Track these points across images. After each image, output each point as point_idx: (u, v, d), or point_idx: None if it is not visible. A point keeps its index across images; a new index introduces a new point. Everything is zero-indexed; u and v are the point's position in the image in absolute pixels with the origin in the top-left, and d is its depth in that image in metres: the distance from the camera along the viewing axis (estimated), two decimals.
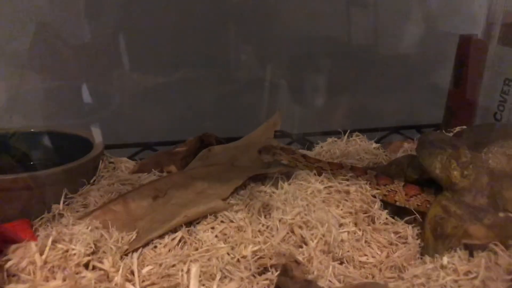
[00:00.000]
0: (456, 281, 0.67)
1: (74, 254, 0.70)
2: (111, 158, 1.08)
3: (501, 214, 0.73)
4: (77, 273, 0.67)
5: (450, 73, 1.38)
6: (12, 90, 1.25)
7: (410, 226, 0.86)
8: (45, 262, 0.67)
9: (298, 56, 1.44)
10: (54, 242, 0.70)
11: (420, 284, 0.68)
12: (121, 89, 1.40)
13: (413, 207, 0.87)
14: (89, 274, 0.68)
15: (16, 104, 1.26)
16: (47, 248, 0.68)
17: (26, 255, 0.67)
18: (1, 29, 1.16)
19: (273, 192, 0.88)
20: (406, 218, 0.88)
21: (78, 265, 0.69)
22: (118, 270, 0.70)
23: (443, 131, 1.25)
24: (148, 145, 1.26)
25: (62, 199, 0.89)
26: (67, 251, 0.70)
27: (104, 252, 0.73)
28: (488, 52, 1.25)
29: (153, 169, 1.03)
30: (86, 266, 0.70)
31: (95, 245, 0.73)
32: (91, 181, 0.97)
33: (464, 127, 1.20)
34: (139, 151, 1.24)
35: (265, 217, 0.82)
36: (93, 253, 0.72)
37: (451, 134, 1.12)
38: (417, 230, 0.85)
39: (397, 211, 0.90)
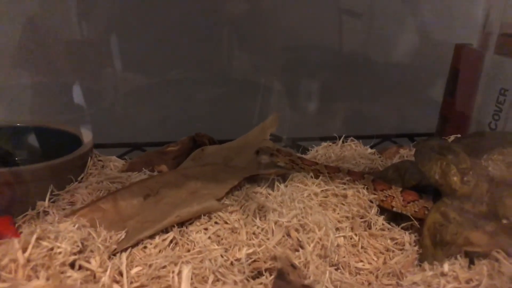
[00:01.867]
0: None
1: (60, 252, 0.66)
2: (99, 157, 1.05)
3: (504, 221, 0.72)
4: (62, 273, 0.64)
5: (444, 82, 1.38)
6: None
7: (407, 233, 0.84)
8: (28, 260, 0.63)
9: (293, 61, 1.43)
10: (38, 239, 0.66)
11: None
12: (113, 88, 1.37)
13: (410, 213, 0.86)
14: (74, 274, 0.64)
15: (4, 99, 1.22)
16: (30, 246, 0.64)
17: (8, 253, 0.63)
18: None
19: (269, 194, 0.85)
20: (403, 224, 0.86)
21: (63, 264, 0.65)
22: (105, 271, 0.66)
23: None
24: (138, 146, 1.22)
25: (48, 196, 0.85)
26: (52, 249, 0.66)
27: (91, 251, 0.69)
28: (484, 62, 1.25)
29: (143, 168, 0.99)
30: (72, 265, 0.67)
31: (82, 244, 0.69)
32: (79, 178, 0.93)
33: (459, 135, 1.20)
34: (128, 151, 1.21)
35: (260, 219, 0.79)
36: (79, 252, 0.68)
37: None
38: (415, 236, 0.83)
39: (394, 217, 0.88)
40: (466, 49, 1.30)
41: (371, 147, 1.21)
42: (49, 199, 0.85)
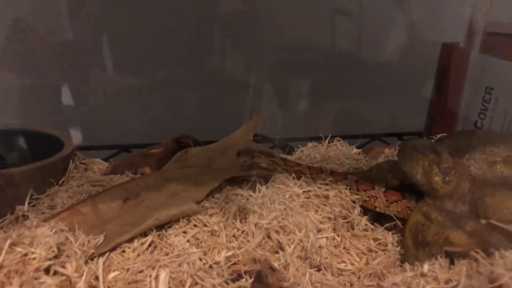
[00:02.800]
0: None
1: (34, 258, 0.65)
2: (83, 159, 1.04)
3: (483, 221, 0.72)
4: (36, 279, 0.63)
5: (432, 81, 1.38)
6: None
7: (390, 233, 0.84)
8: (1, 266, 0.62)
9: (282, 62, 1.43)
10: (13, 245, 0.65)
11: None
12: (99, 90, 1.36)
13: (393, 213, 0.85)
14: (49, 280, 0.63)
15: None
16: (4, 252, 0.64)
17: None
18: None
19: (250, 196, 0.85)
20: (386, 225, 0.86)
21: (37, 270, 0.64)
22: (81, 276, 0.66)
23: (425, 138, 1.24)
24: (124, 147, 1.22)
25: (27, 199, 0.84)
26: (26, 254, 0.65)
27: (67, 256, 0.69)
28: (470, 61, 1.25)
29: (126, 171, 0.99)
30: (47, 271, 0.66)
31: (58, 248, 0.68)
32: (60, 182, 0.92)
33: (445, 134, 1.20)
34: (115, 153, 1.20)
35: (240, 221, 0.78)
36: (55, 257, 0.67)
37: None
38: (397, 237, 0.83)
39: (377, 217, 0.88)
40: (453, 48, 1.31)
41: (360, 147, 1.21)
42: (29, 203, 0.84)
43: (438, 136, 1.19)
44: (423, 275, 0.68)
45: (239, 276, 0.70)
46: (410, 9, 1.44)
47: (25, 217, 0.81)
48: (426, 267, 0.69)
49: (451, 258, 0.71)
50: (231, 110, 1.41)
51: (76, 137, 1.06)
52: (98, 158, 1.09)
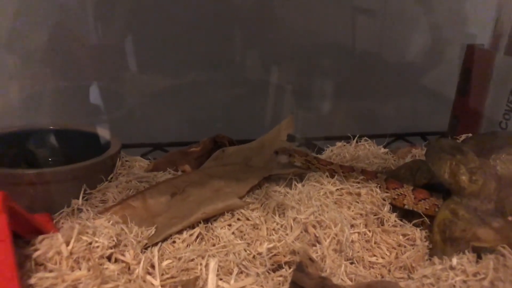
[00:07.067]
0: (465, 281, 0.70)
1: (98, 246, 0.72)
2: (126, 157, 1.11)
3: (510, 218, 0.76)
4: (100, 265, 0.70)
5: (456, 82, 1.41)
6: (28, 89, 1.28)
7: (418, 229, 0.89)
8: (71, 253, 0.70)
9: (307, 62, 1.46)
10: (79, 234, 0.73)
11: (430, 284, 0.71)
12: (132, 90, 1.42)
13: (421, 210, 0.90)
14: (112, 266, 0.71)
15: (32, 103, 1.29)
16: (73, 240, 0.71)
17: (53, 246, 0.70)
18: (18, 29, 1.19)
19: (287, 192, 0.91)
20: (414, 221, 0.90)
21: (101, 257, 0.72)
22: (139, 263, 0.72)
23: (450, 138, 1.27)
24: (159, 146, 1.28)
25: (81, 194, 0.91)
26: (90, 243, 0.72)
27: (125, 245, 0.75)
28: (495, 62, 1.28)
29: (168, 168, 1.05)
30: (109, 258, 0.73)
31: (116, 238, 0.75)
32: (109, 178, 0.99)
33: (470, 135, 1.23)
34: (149, 151, 1.26)
35: (279, 216, 0.84)
36: (115, 246, 0.74)
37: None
38: (425, 233, 0.88)
39: (406, 214, 0.93)
40: (478, 50, 1.33)
41: (385, 146, 1.25)
42: (83, 197, 0.91)
43: (463, 136, 1.23)
44: (452, 268, 0.73)
45: (280, 267, 0.76)
46: (435, 10, 1.47)
47: (80, 210, 0.88)
48: (454, 260, 0.73)
49: (478, 253, 0.76)
50: (257, 109, 1.46)
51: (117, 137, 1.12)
52: (133, 155, 1.15)
